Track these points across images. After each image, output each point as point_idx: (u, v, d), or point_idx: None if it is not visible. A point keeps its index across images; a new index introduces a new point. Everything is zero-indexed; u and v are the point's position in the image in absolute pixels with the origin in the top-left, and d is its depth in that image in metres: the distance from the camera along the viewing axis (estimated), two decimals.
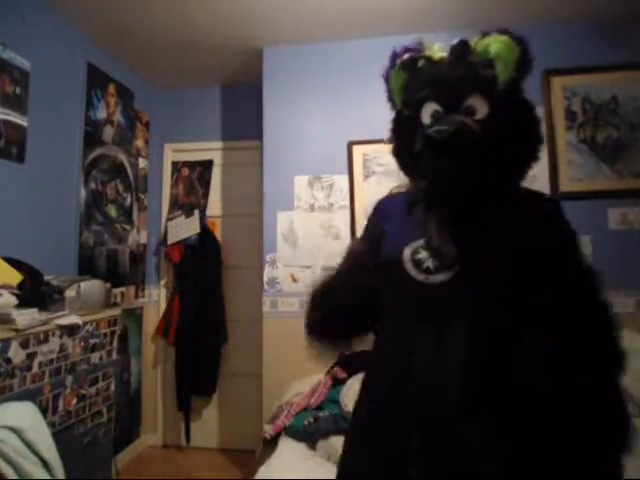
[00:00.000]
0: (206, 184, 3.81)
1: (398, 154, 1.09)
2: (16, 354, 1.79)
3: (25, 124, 2.48)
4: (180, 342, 3.58)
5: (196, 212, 3.68)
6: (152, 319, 3.75)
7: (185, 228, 3.66)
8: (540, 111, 2.89)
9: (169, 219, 3.74)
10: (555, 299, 0.93)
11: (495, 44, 0.94)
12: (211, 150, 3.86)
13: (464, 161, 0.91)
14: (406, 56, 1.03)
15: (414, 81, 1.01)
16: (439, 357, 0.93)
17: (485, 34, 0.97)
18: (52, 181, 2.73)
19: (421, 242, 0.99)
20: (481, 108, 0.93)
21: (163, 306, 3.76)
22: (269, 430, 2.39)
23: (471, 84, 0.94)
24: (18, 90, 2.44)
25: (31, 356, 1.87)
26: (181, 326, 3.57)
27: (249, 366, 3.55)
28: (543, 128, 2.88)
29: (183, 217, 3.69)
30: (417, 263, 0.98)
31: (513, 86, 0.96)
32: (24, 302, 1.96)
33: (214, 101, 3.88)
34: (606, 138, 2.82)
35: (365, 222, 1.27)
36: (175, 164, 3.91)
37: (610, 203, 2.76)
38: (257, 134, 3.36)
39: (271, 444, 2.25)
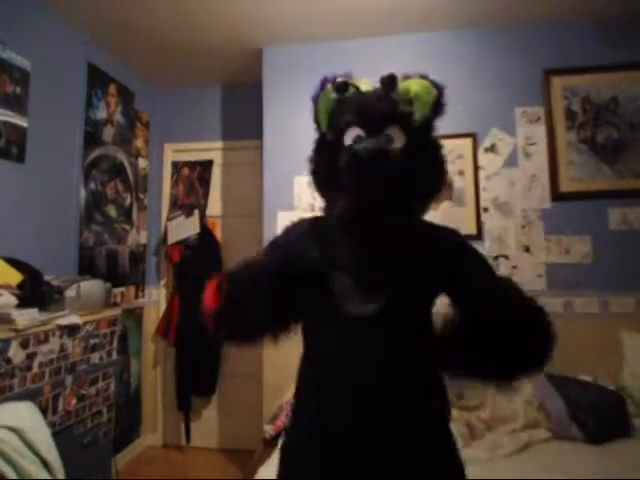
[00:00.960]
0: (206, 184, 3.81)
1: (316, 173, 1.21)
2: (16, 354, 1.79)
3: (25, 124, 2.48)
4: (180, 342, 3.58)
5: (196, 212, 3.68)
6: (152, 319, 3.75)
7: (185, 228, 3.66)
8: (540, 111, 2.90)
9: (169, 219, 3.74)
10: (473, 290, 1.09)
11: (415, 86, 1.05)
12: (211, 150, 3.86)
13: (383, 179, 1.00)
14: (340, 80, 1.11)
15: (341, 107, 1.10)
16: (364, 377, 1.03)
17: (407, 77, 1.08)
18: (52, 181, 2.73)
19: (345, 275, 1.06)
20: (398, 138, 1.03)
21: (163, 306, 3.77)
22: (269, 430, 2.39)
23: (392, 115, 1.04)
24: (18, 90, 2.44)
25: (31, 356, 1.87)
26: (181, 326, 3.57)
27: (249, 366, 3.55)
28: (542, 129, 2.91)
29: (183, 217, 3.69)
30: (344, 294, 1.05)
31: (427, 124, 1.08)
32: (24, 302, 1.96)
33: (214, 101, 3.88)
34: (606, 138, 2.82)
35: (272, 240, 1.33)
36: (175, 164, 3.91)
37: (610, 203, 2.76)
38: (257, 134, 3.36)
39: (271, 444, 2.25)
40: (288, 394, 2.62)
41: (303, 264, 1.13)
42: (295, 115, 3.19)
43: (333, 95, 1.11)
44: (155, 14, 2.81)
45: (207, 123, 3.87)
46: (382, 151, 0.99)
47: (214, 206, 3.82)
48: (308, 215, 1.36)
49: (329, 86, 1.12)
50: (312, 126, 3.57)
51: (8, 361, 1.75)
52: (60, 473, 1.71)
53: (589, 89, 2.85)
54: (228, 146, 3.84)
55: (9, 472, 1.52)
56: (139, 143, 3.70)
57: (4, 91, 2.35)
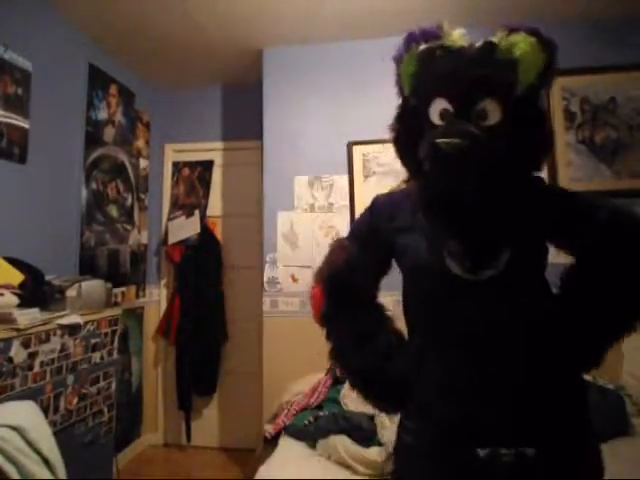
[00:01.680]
0: (206, 184, 3.82)
1: (398, 142, 1.01)
2: (18, 354, 1.80)
3: (27, 125, 2.49)
4: (181, 342, 3.59)
5: (196, 212, 3.69)
6: (153, 319, 3.76)
7: (186, 228, 3.67)
8: None
9: (170, 219, 3.75)
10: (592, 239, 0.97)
11: (521, 45, 0.86)
12: (211, 150, 3.87)
13: (472, 177, 0.85)
14: (423, 46, 0.94)
15: (428, 70, 0.93)
16: (503, 358, 0.92)
17: (512, 30, 0.89)
18: (53, 181, 2.74)
19: (454, 244, 0.94)
20: (494, 114, 0.86)
21: (164, 306, 3.78)
22: (269, 429, 2.40)
23: (488, 87, 0.87)
24: (20, 91, 2.45)
25: (32, 355, 1.88)
26: (182, 326, 3.58)
27: (249, 365, 3.56)
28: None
29: (184, 217, 3.70)
30: (458, 260, 0.93)
31: (531, 94, 0.89)
32: (25, 302, 1.97)
33: (215, 102, 3.89)
34: (605, 139, 2.82)
35: (359, 219, 1.20)
36: (176, 164, 3.92)
37: None
38: (257, 134, 3.37)
39: (271, 443, 2.26)
40: (288, 393, 2.63)
41: (409, 242, 1.02)
42: (295, 115, 3.20)
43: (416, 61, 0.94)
44: (156, 15, 2.82)
45: (207, 123, 3.88)
46: (471, 145, 0.83)
47: (214, 206, 3.83)
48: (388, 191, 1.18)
49: (414, 48, 0.95)
50: (312, 126, 3.58)
51: (10, 360, 1.76)
52: (61, 472, 1.72)
53: (588, 90, 2.86)
54: (228, 146, 3.85)
55: (11, 471, 1.53)
56: (140, 143, 3.71)
57: (6, 92, 2.36)
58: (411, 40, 0.96)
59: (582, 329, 0.94)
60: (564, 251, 1.01)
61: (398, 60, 0.99)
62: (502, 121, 0.86)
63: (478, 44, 0.91)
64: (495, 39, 0.90)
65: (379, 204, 1.15)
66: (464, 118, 0.87)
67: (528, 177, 0.99)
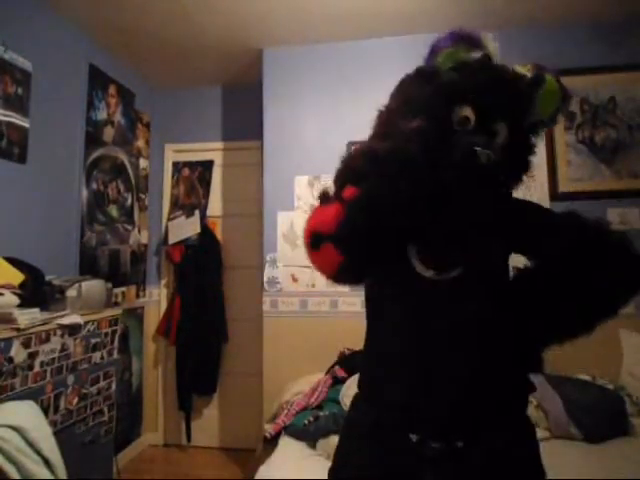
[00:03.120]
0: (206, 184, 3.82)
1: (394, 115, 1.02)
2: (18, 353, 1.80)
3: (27, 125, 2.49)
4: (181, 341, 3.59)
5: (197, 212, 3.69)
6: (153, 319, 3.76)
7: (186, 228, 3.67)
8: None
9: (170, 219, 3.75)
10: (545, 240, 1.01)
11: (547, 85, 0.95)
12: (211, 150, 3.87)
13: (478, 185, 0.91)
14: (478, 53, 0.96)
15: (463, 70, 0.95)
16: (452, 354, 0.96)
17: (540, 68, 0.98)
18: (53, 181, 2.74)
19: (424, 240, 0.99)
20: (502, 135, 0.94)
21: (164, 306, 3.78)
22: (269, 429, 2.40)
23: (511, 112, 0.94)
24: (20, 91, 2.45)
25: (33, 355, 1.88)
26: (182, 326, 3.58)
27: (249, 365, 3.57)
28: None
29: (184, 217, 3.70)
30: (423, 260, 0.99)
31: (535, 127, 0.99)
32: (26, 302, 1.97)
33: (214, 102, 3.89)
34: (605, 138, 2.83)
35: None
36: (176, 164, 3.92)
37: (609, 203, 2.77)
38: (257, 134, 3.37)
39: (271, 443, 2.26)
40: (288, 393, 2.63)
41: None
42: (295, 115, 3.21)
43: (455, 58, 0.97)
44: (156, 15, 2.82)
45: (207, 124, 3.88)
46: (496, 160, 0.89)
47: (214, 206, 3.83)
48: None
49: (457, 44, 0.98)
50: (312, 126, 3.57)
51: (10, 360, 1.76)
52: (62, 472, 1.72)
53: (587, 90, 2.86)
54: (228, 146, 3.85)
55: (11, 471, 1.53)
56: (140, 143, 3.71)
57: (6, 92, 2.36)
58: (456, 38, 0.98)
59: (527, 330, 0.98)
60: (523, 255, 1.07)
61: (436, 50, 1.00)
62: (507, 143, 0.94)
63: (518, 69, 0.99)
64: (525, 70, 0.99)
65: None
66: (481, 131, 0.92)
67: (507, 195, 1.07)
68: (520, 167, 1.01)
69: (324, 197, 0.99)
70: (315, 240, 0.95)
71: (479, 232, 0.97)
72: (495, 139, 0.93)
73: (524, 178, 1.04)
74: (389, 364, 1.03)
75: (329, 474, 1.12)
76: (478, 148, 0.88)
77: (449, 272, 0.97)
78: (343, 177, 0.99)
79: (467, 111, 0.93)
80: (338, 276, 0.98)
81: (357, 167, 0.96)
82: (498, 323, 0.98)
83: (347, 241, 0.89)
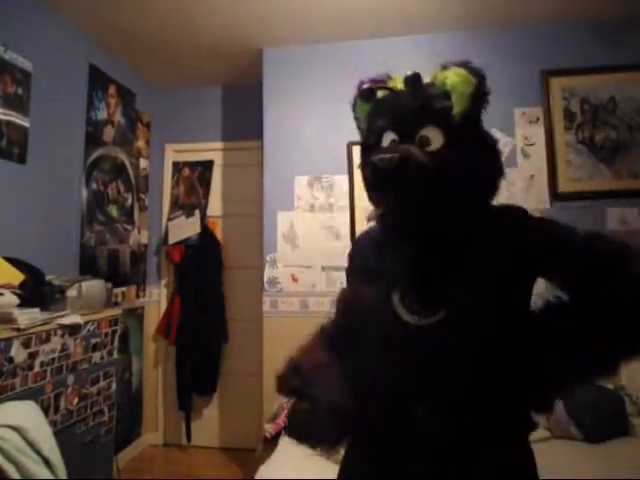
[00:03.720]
0: (207, 184, 3.83)
1: (365, 180, 1.05)
2: (18, 353, 1.81)
3: (27, 125, 2.49)
4: (181, 341, 3.59)
5: (197, 212, 3.69)
6: (153, 319, 3.76)
7: (186, 228, 3.67)
8: (539, 112, 2.91)
9: (170, 219, 3.75)
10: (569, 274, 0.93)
11: (452, 77, 0.94)
12: (212, 150, 3.87)
13: (409, 191, 0.91)
14: (365, 86, 1.03)
15: (376, 110, 1.02)
16: (437, 396, 0.92)
17: (445, 67, 0.97)
18: (53, 181, 2.74)
19: (403, 284, 0.98)
20: (436, 139, 0.93)
21: (164, 306, 3.78)
22: (269, 429, 2.40)
23: (426, 115, 0.94)
24: (20, 91, 2.45)
25: (33, 355, 1.88)
26: (182, 326, 3.58)
27: (249, 365, 3.57)
28: (541, 130, 2.91)
29: (184, 217, 3.70)
30: (406, 306, 0.97)
31: (469, 119, 0.95)
32: (26, 302, 1.97)
33: (215, 102, 3.89)
34: (604, 139, 2.83)
35: (348, 259, 1.27)
36: (176, 164, 3.92)
37: (608, 203, 2.77)
38: (257, 134, 3.37)
39: (271, 443, 2.27)
40: None
41: (363, 277, 1.08)
42: (295, 115, 3.21)
43: (363, 102, 1.04)
44: (156, 15, 2.82)
45: (208, 124, 3.88)
46: (404, 160, 0.89)
47: (215, 206, 3.83)
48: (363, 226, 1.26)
49: (358, 92, 1.05)
50: (312, 126, 3.58)
51: (10, 360, 1.76)
52: (62, 472, 1.72)
53: (587, 90, 2.86)
54: (228, 147, 3.85)
55: (11, 471, 1.53)
56: (140, 143, 3.71)
57: (6, 92, 2.36)
58: (361, 86, 1.05)
59: (542, 371, 0.91)
60: (549, 282, 0.98)
61: (353, 106, 1.08)
62: (444, 146, 0.93)
63: (406, 82, 0.99)
64: (430, 76, 0.99)
65: (359, 244, 1.24)
66: (409, 145, 0.94)
67: (480, 208, 1.01)
68: (475, 164, 0.96)
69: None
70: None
71: (448, 250, 0.95)
72: (429, 146, 0.93)
73: (498, 183, 1.00)
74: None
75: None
76: (375, 158, 0.91)
77: (431, 315, 0.94)
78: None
79: (390, 135, 0.97)
80: None
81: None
82: (494, 366, 0.91)
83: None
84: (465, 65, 0.96)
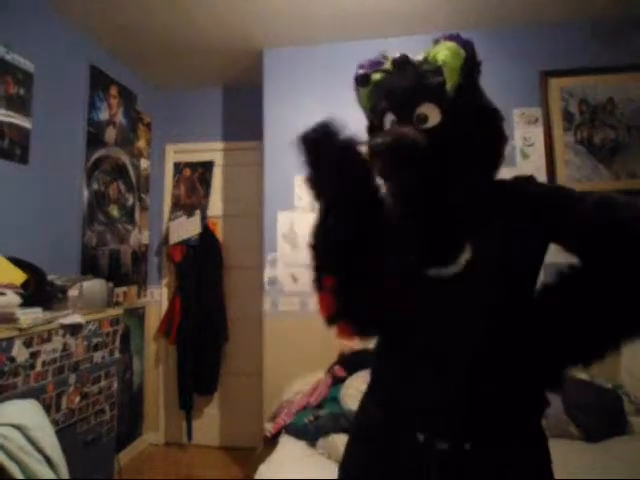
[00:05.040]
0: (207, 184, 3.84)
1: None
2: (20, 353, 1.82)
3: (28, 125, 2.51)
4: (182, 341, 3.60)
5: (197, 212, 3.70)
6: (154, 318, 3.78)
7: (186, 228, 3.68)
8: (538, 112, 2.91)
9: (171, 219, 3.76)
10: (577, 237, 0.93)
11: (442, 51, 0.94)
12: (212, 151, 3.88)
13: (407, 171, 0.93)
14: (361, 72, 1.06)
15: (376, 92, 1.04)
16: (455, 354, 0.94)
17: (436, 42, 0.98)
18: (55, 182, 2.75)
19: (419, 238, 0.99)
20: (433, 116, 0.93)
21: (165, 305, 3.79)
22: (270, 428, 2.41)
23: (420, 92, 0.95)
24: (22, 91, 2.46)
25: (35, 355, 1.89)
26: (183, 325, 3.59)
27: (250, 365, 3.58)
28: (540, 130, 2.91)
29: (184, 217, 3.71)
30: (422, 259, 0.98)
31: (464, 91, 0.95)
32: (28, 301, 1.98)
33: (215, 102, 3.90)
34: (603, 139, 2.83)
35: None
36: (177, 165, 3.93)
37: None
38: (258, 135, 3.38)
39: (272, 442, 2.27)
40: (288, 393, 2.64)
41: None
42: (295, 116, 3.21)
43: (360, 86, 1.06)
44: (157, 16, 2.84)
45: (208, 124, 3.89)
46: (396, 141, 0.90)
47: (215, 206, 3.84)
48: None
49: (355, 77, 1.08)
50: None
51: (12, 360, 1.78)
52: (63, 471, 1.73)
53: (586, 91, 2.87)
54: (229, 147, 3.86)
55: (13, 469, 1.54)
56: (141, 144, 3.72)
57: (8, 92, 2.37)
58: (359, 70, 1.08)
59: (552, 346, 0.91)
60: (561, 247, 0.97)
61: (356, 89, 1.10)
62: (442, 122, 0.93)
63: (394, 64, 1.03)
64: (424, 52, 1.01)
65: None
66: (406, 124, 0.95)
67: (489, 177, 1.02)
68: (475, 135, 0.96)
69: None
70: (330, 322, 1.05)
71: (463, 220, 0.96)
72: (427, 123, 0.93)
73: (502, 150, 1.00)
74: (398, 365, 1.02)
75: (338, 474, 1.13)
76: (373, 141, 0.93)
77: (448, 267, 0.95)
78: (314, 269, 1.07)
79: (390, 116, 0.99)
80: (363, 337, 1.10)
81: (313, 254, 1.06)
82: (506, 328, 0.93)
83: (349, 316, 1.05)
84: (454, 38, 0.96)
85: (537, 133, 2.91)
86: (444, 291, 0.96)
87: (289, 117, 3.22)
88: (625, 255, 0.83)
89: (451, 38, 0.96)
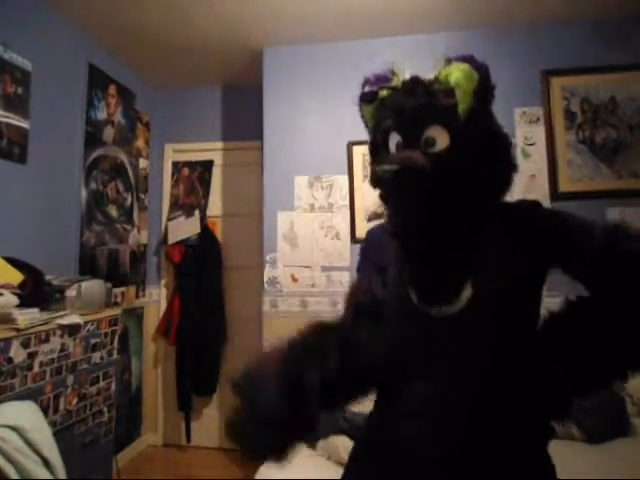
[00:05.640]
0: (206, 184, 3.82)
1: (372, 180, 1.01)
2: (17, 354, 1.80)
3: (27, 125, 2.49)
4: (181, 342, 3.59)
5: (196, 212, 3.69)
6: (153, 319, 3.76)
7: (185, 228, 3.67)
8: (539, 112, 2.90)
9: (170, 219, 3.75)
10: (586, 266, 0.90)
11: (455, 72, 0.90)
12: (211, 150, 3.87)
13: (412, 198, 0.89)
14: (367, 89, 1.01)
15: (381, 109, 0.99)
16: (459, 393, 0.92)
17: (449, 61, 0.94)
18: (53, 181, 2.74)
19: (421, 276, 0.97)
20: (441, 139, 0.89)
21: (164, 306, 3.77)
22: None
23: (430, 114, 0.91)
24: (20, 90, 2.45)
25: (32, 355, 1.88)
26: (182, 326, 3.58)
27: None
28: (542, 130, 2.91)
29: (183, 217, 3.70)
30: (424, 298, 0.96)
31: (475, 115, 0.91)
32: (25, 302, 1.97)
33: (215, 101, 3.89)
34: (605, 138, 2.82)
35: (359, 254, 1.26)
36: (175, 164, 3.92)
37: (609, 203, 2.77)
38: (257, 134, 3.37)
39: None
40: None
41: (377, 273, 1.07)
42: (295, 115, 3.21)
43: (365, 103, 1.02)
44: (156, 15, 2.82)
45: (208, 123, 3.88)
46: (404, 168, 0.87)
47: (214, 206, 3.83)
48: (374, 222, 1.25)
49: (361, 93, 1.03)
50: (312, 126, 3.57)
51: (9, 360, 1.76)
52: (61, 472, 1.72)
53: (588, 90, 2.86)
54: (228, 146, 3.85)
55: (10, 471, 1.53)
56: (140, 143, 3.71)
57: (6, 91, 2.36)
58: (365, 84, 1.02)
59: (559, 376, 0.89)
60: (567, 275, 0.95)
61: (359, 103, 1.05)
62: (450, 147, 0.89)
63: (404, 87, 0.96)
64: (434, 72, 0.96)
65: (370, 239, 1.25)
66: (413, 147, 0.91)
67: (493, 205, 1.00)
68: (484, 163, 0.93)
69: None
70: None
71: (465, 256, 0.93)
72: (434, 147, 0.89)
73: (510, 178, 0.98)
74: (398, 397, 0.99)
75: None
76: (378, 167, 0.90)
77: (449, 306, 0.92)
78: None
79: (396, 137, 0.95)
80: None
81: None
82: (512, 365, 0.91)
83: None
84: (468, 59, 0.92)
85: (539, 132, 2.90)
86: (446, 329, 0.94)
87: (289, 116, 3.21)
88: (633, 286, 0.82)
89: (464, 59, 0.93)
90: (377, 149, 1.01)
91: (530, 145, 2.90)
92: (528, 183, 2.86)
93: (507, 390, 0.91)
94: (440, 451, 0.91)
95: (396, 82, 1.00)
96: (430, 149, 0.89)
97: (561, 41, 2.92)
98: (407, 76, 0.99)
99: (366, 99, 1.01)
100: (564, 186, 2.83)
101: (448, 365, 0.93)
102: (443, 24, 2.92)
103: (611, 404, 2.21)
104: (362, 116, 1.06)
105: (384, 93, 0.99)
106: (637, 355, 0.84)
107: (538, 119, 2.90)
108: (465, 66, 0.91)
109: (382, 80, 1.01)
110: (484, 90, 0.92)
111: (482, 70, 0.92)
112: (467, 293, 0.92)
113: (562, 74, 2.88)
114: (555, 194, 2.82)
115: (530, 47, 2.95)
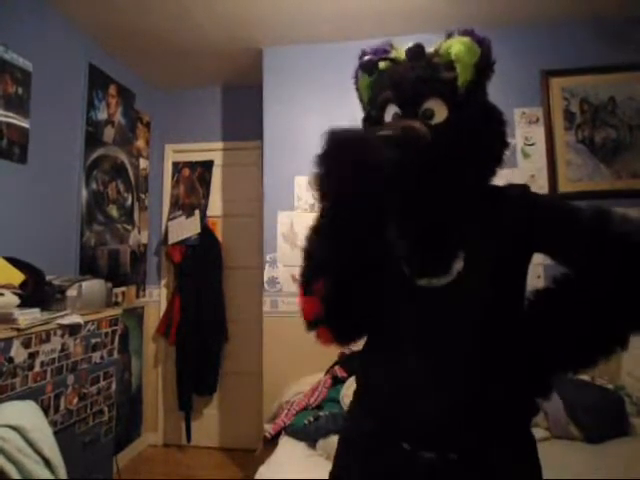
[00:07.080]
0: (207, 184, 3.82)
1: None
2: (18, 353, 1.81)
3: (27, 125, 2.49)
4: (181, 341, 3.59)
5: (197, 212, 3.69)
6: (153, 319, 3.76)
7: (186, 228, 3.67)
8: (539, 112, 2.91)
9: (170, 219, 3.75)
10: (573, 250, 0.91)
11: (456, 45, 0.91)
12: (212, 150, 3.87)
13: (411, 164, 0.88)
14: (367, 58, 1.01)
15: (379, 81, 1.00)
16: (444, 364, 0.92)
17: (449, 35, 0.95)
18: (54, 182, 2.74)
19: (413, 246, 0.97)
20: (440, 112, 0.91)
21: (164, 306, 3.78)
22: (269, 429, 2.40)
23: (430, 86, 0.92)
24: (20, 91, 2.45)
25: (33, 355, 1.88)
26: (182, 326, 3.58)
27: (249, 365, 3.56)
28: (541, 130, 2.91)
29: (184, 217, 3.70)
30: (416, 269, 0.96)
31: (474, 89, 0.92)
32: (26, 302, 1.97)
33: (215, 102, 3.89)
34: (604, 139, 2.83)
35: None
36: (176, 164, 3.92)
37: (608, 203, 2.73)
38: (257, 134, 3.37)
39: (271, 443, 2.26)
40: (288, 393, 2.63)
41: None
42: (295, 115, 3.21)
43: (364, 74, 1.02)
44: (156, 15, 2.82)
45: (208, 124, 3.88)
46: (403, 135, 0.87)
47: (214, 206, 3.83)
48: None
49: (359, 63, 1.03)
50: (312, 126, 3.57)
51: (10, 360, 1.76)
52: (62, 472, 1.72)
53: (587, 90, 2.87)
54: (228, 146, 3.85)
55: (11, 471, 1.53)
56: (140, 143, 3.71)
57: (6, 92, 2.36)
58: (363, 57, 1.03)
59: (541, 353, 0.89)
60: (551, 258, 0.96)
61: (355, 76, 1.06)
62: (448, 119, 0.91)
63: (407, 53, 0.97)
64: (435, 45, 0.96)
65: None
66: (411, 118, 0.92)
67: (486, 182, 1.00)
68: (479, 136, 0.93)
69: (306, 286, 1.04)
70: (311, 327, 1.05)
71: (457, 229, 0.94)
72: (432, 119, 0.91)
73: (502, 154, 0.98)
74: (386, 374, 0.99)
75: None
76: (383, 132, 0.89)
77: (440, 278, 0.93)
78: (305, 270, 1.07)
79: (393, 108, 0.96)
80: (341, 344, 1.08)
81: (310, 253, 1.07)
82: (498, 338, 0.92)
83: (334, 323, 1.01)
84: (470, 33, 0.93)
85: (538, 132, 2.90)
86: (435, 300, 0.95)
87: (289, 116, 3.21)
88: (622, 266, 0.82)
89: (466, 33, 0.93)
90: (371, 121, 1.02)
91: (530, 145, 2.90)
92: (528, 183, 2.86)
93: (492, 364, 0.91)
94: (424, 422, 0.91)
95: (395, 54, 1.00)
96: (428, 121, 0.91)
97: (561, 41, 2.92)
98: (403, 49, 1.00)
99: (366, 69, 1.01)
100: (564, 186, 2.83)
101: (434, 336, 0.94)
102: (443, 24, 2.91)
103: (610, 404, 2.21)
104: (357, 89, 1.07)
105: (383, 65, 1.00)
106: (622, 333, 0.84)
107: (538, 119, 2.91)
108: (467, 39, 0.92)
109: (380, 52, 1.02)
110: (484, 65, 0.93)
111: (484, 44, 0.92)
112: (458, 266, 0.93)
113: (562, 74, 2.89)
114: (555, 194, 2.82)
115: (530, 47, 2.95)
